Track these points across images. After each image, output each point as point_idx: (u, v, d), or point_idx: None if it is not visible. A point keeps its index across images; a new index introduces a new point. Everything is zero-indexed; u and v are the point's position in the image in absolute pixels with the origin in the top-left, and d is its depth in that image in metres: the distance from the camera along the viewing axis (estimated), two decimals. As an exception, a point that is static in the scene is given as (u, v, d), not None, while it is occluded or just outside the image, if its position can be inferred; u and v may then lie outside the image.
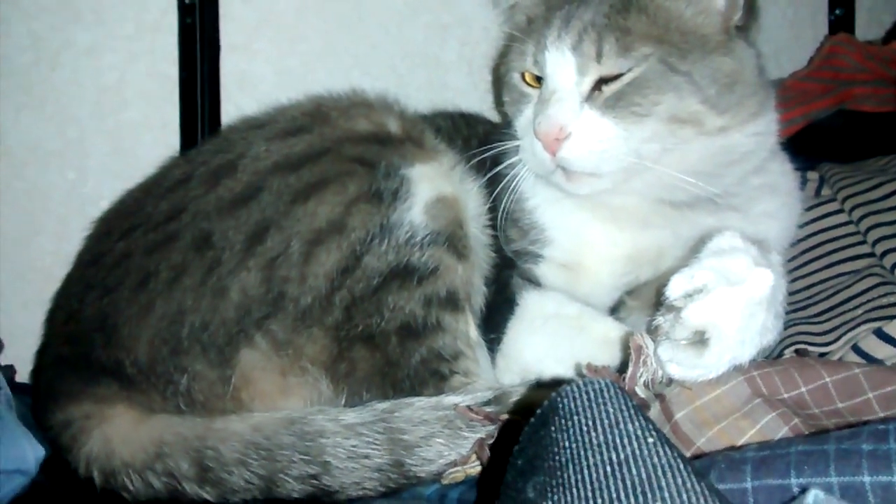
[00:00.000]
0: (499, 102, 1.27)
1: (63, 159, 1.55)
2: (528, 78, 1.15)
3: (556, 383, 0.93)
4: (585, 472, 0.49)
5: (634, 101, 1.04)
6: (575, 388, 0.55)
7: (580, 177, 1.08)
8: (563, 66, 1.07)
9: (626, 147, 1.05)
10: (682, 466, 0.49)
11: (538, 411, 0.58)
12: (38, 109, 1.53)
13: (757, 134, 1.12)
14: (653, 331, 0.80)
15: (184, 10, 1.55)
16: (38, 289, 1.51)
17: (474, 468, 0.87)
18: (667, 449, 0.50)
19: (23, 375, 1.37)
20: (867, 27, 1.93)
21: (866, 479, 0.55)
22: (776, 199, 1.19)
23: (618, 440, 0.50)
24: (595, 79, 1.06)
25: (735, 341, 0.78)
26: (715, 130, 1.07)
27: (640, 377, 0.78)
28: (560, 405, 0.55)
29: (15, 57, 1.52)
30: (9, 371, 1.31)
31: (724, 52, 1.07)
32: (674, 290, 0.78)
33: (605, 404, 0.52)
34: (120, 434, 0.98)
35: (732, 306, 0.77)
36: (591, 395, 0.53)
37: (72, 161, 1.55)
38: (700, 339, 0.77)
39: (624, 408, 0.52)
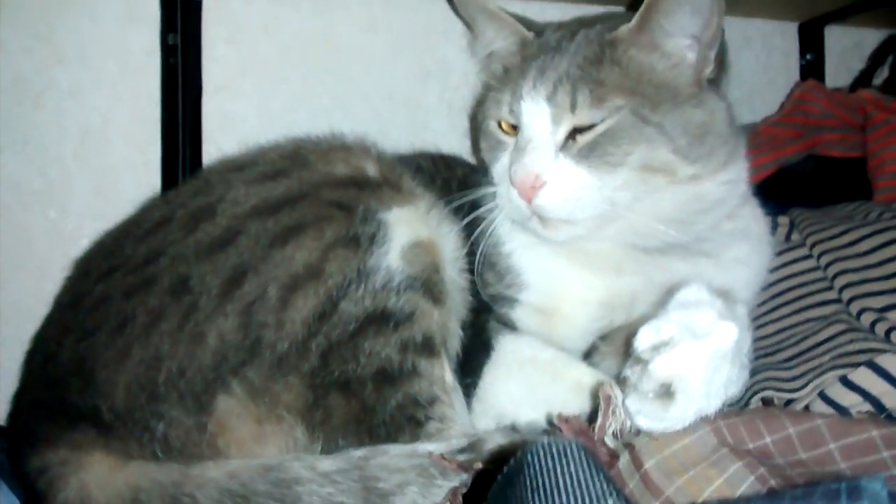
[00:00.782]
0: (476, 149, 1.30)
1: (45, 199, 1.56)
2: (504, 126, 1.18)
3: (531, 430, 0.96)
4: (548, 531, 0.50)
5: (608, 150, 1.07)
6: (540, 448, 0.56)
7: (556, 223, 1.11)
8: (538, 116, 1.10)
9: (599, 195, 1.08)
10: (642, 526, 0.50)
11: (504, 469, 0.59)
12: (19, 149, 1.54)
13: (728, 182, 1.15)
14: (621, 381, 0.82)
15: (167, 52, 1.58)
16: (18, 328, 1.50)
17: (448, 517, 0.88)
18: (628, 509, 0.51)
19: (1, 415, 1.37)
20: (836, 72, 1.98)
21: (820, 536, 0.56)
22: (747, 244, 1.22)
23: (579, 501, 0.51)
24: (569, 128, 1.09)
25: (700, 394, 0.80)
26: (686, 179, 1.10)
27: (609, 427, 0.80)
28: (525, 464, 0.56)
29: (-3, 98, 1.54)
30: (-14, 413, 1.31)
31: (696, 104, 1.11)
32: (641, 342, 0.81)
33: (568, 465, 0.54)
34: (96, 481, 0.97)
35: (698, 360, 0.79)
36: (556, 455, 0.55)
37: (54, 201, 1.56)
38: (666, 392, 0.79)
39: (586, 468, 0.54)
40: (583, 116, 1.08)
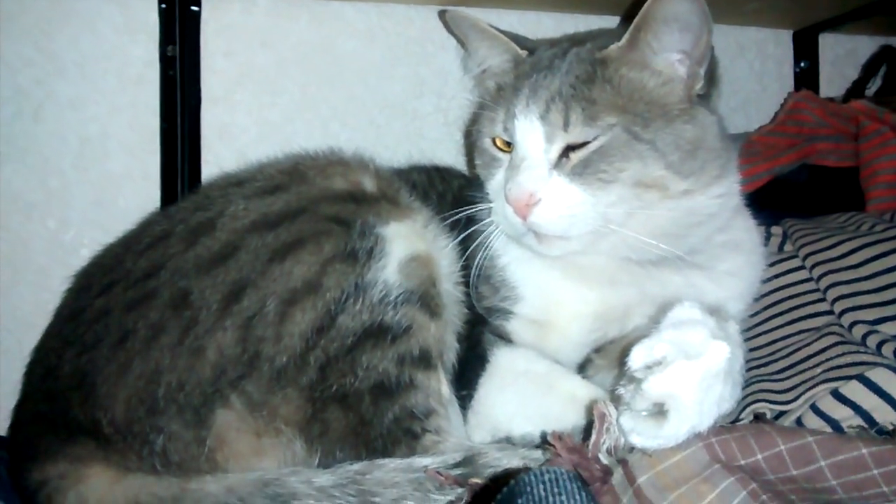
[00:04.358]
0: (471, 164, 1.31)
1: (44, 209, 1.57)
2: (498, 143, 1.19)
3: (525, 442, 0.97)
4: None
5: (600, 167, 1.09)
6: (532, 478, 0.58)
7: (550, 239, 1.12)
8: (532, 134, 1.12)
9: (593, 211, 1.09)
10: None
11: (498, 497, 0.61)
12: (19, 160, 1.56)
13: (720, 196, 1.17)
14: (615, 399, 0.84)
15: (166, 63, 1.59)
16: (18, 338, 1.53)
17: (443, 531, 0.90)
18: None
19: (1, 426, 1.38)
20: (830, 79, 1.99)
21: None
22: (739, 256, 1.23)
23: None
24: (563, 146, 1.11)
25: (693, 412, 0.81)
26: (679, 194, 1.12)
27: (603, 444, 0.81)
28: (518, 493, 0.58)
29: (-3, 109, 1.55)
30: (-14, 424, 1.32)
31: (687, 120, 1.12)
32: (634, 362, 0.82)
33: (559, 494, 0.55)
34: (95, 494, 0.98)
35: (690, 379, 0.80)
36: (547, 484, 0.57)
37: (53, 211, 1.58)
38: (659, 411, 0.80)
39: (577, 497, 0.55)
40: (576, 134, 1.10)
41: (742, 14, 1.85)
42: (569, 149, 1.10)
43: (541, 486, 0.56)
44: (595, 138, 1.09)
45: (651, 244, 1.10)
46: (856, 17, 1.83)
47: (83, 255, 1.54)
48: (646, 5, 1.08)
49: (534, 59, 1.20)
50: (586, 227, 1.10)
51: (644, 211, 1.10)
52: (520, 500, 0.56)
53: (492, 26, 1.26)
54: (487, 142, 1.21)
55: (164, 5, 1.58)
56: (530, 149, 1.12)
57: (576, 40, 1.22)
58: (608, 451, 0.82)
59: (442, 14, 1.46)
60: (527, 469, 0.60)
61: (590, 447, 0.81)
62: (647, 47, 1.11)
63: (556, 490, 0.56)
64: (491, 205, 1.19)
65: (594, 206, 1.09)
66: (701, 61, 1.12)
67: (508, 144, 1.17)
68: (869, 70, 1.81)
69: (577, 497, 0.55)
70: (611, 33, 1.22)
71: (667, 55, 1.12)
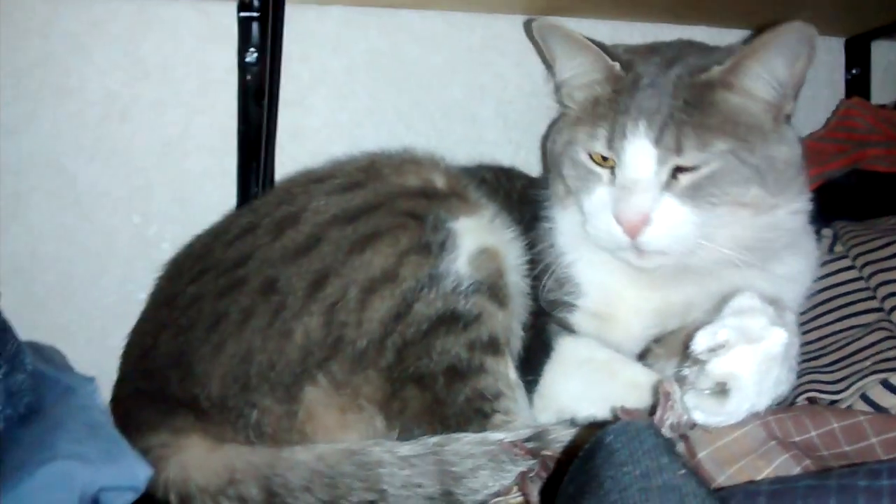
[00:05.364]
0: (546, 169, 1.34)
1: (129, 205, 1.66)
2: (596, 158, 1.20)
3: (592, 423, 1.04)
4: (626, 494, 0.59)
5: (710, 191, 1.13)
6: (616, 428, 0.65)
7: (651, 254, 1.16)
8: (644, 156, 1.14)
9: (699, 231, 1.14)
10: (706, 494, 0.59)
11: (586, 447, 0.68)
12: (107, 159, 1.65)
13: (798, 211, 1.23)
14: (679, 380, 0.90)
15: (244, 69, 1.68)
16: (104, 325, 1.63)
17: (516, 499, 0.97)
18: (694, 479, 0.60)
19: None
20: (882, 87, 2.02)
21: (861, 509, 0.64)
22: (798, 260, 1.28)
23: (652, 471, 0.60)
24: (672, 168, 1.14)
25: (753, 392, 0.87)
26: (766, 210, 1.17)
27: (667, 420, 0.88)
28: (604, 442, 0.65)
29: (88, 110, 1.65)
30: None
31: (779, 140, 1.17)
32: (699, 345, 0.89)
33: (642, 442, 0.63)
34: (195, 461, 1.07)
35: (750, 361, 0.87)
36: (630, 434, 0.64)
37: (137, 207, 1.67)
38: (721, 390, 0.87)
39: (657, 444, 0.63)
40: (688, 159, 1.13)
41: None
42: (678, 170, 1.13)
43: (624, 435, 0.63)
44: (707, 163, 1.12)
45: (733, 256, 1.14)
46: (908, 26, 1.86)
47: (164, 248, 1.64)
48: (763, 36, 1.11)
49: (633, 77, 1.19)
50: (690, 245, 1.14)
51: (732, 226, 1.15)
52: (605, 447, 0.63)
53: (584, 36, 1.25)
54: (584, 156, 1.22)
55: (243, 14, 1.67)
56: (641, 170, 1.13)
57: (669, 55, 1.23)
58: (671, 427, 0.89)
59: (527, 23, 1.50)
60: (610, 422, 0.67)
61: (655, 422, 0.88)
62: (754, 74, 1.14)
63: (639, 438, 0.63)
64: (555, 209, 1.24)
65: (700, 227, 1.13)
66: (797, 86, 1.17)
67: (605, 159, 1.19)
68: (920, 78, 1.84)
69: (659, 444, 0.62)
70: (702, 49, 1.26)
71: (769, 80, 1.14)
